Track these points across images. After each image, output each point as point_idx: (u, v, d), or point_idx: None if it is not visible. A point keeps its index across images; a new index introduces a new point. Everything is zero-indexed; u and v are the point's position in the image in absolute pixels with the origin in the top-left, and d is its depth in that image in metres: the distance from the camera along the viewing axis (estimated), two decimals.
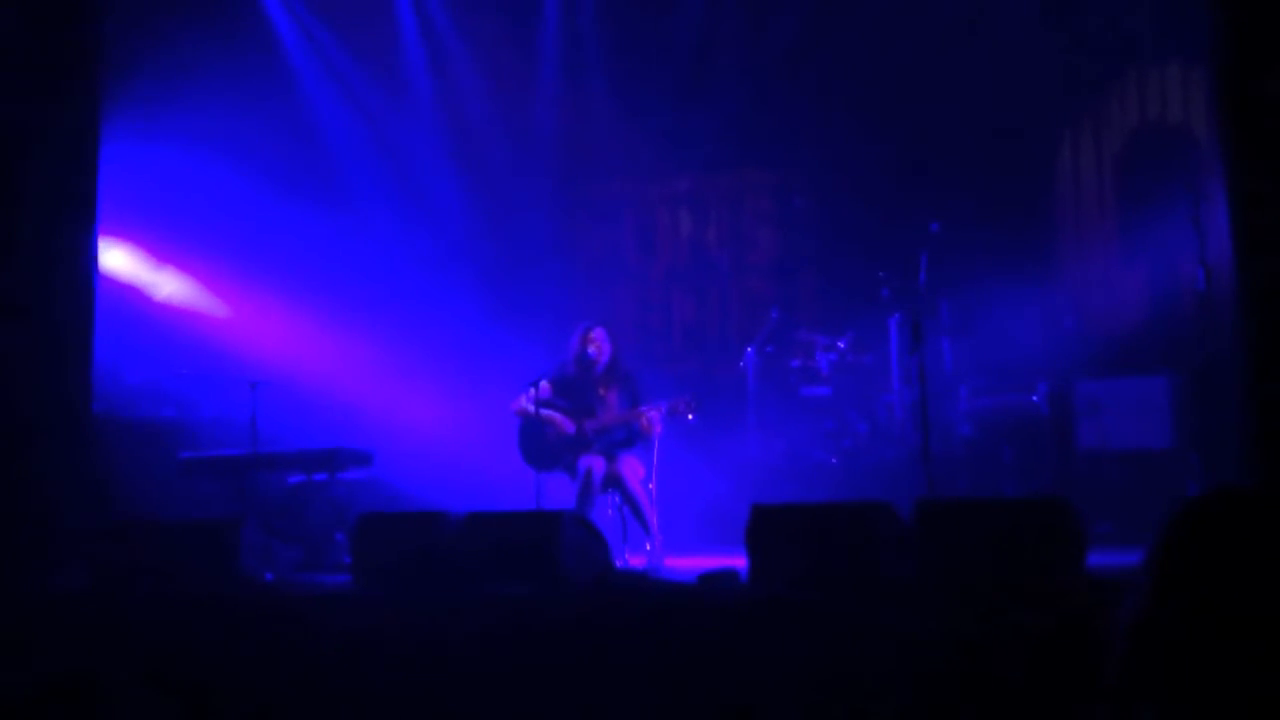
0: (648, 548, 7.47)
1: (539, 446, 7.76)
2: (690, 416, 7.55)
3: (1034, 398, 8.43)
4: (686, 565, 6.83)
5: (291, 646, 5.64)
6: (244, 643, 5.70)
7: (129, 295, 9.30)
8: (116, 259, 9.11)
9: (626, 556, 7.48)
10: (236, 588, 6.12)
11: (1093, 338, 8.90)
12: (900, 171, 9.33)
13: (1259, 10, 5.65)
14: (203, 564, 6.18)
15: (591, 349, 7.84)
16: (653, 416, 7.54)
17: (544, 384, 7.70)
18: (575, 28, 10.54)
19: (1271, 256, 5.51)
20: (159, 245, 9.60)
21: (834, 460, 8.87)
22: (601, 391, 7.85)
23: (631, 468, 7.55)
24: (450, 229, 10.67)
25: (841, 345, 9.07)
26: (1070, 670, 4.33)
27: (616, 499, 7.67)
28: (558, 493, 7.60)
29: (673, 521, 7.79)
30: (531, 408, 7.64)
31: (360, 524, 6.18)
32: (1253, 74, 5.63)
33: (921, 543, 5.12)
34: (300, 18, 10.38)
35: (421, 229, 10.63)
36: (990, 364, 8.71)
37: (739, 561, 5.54)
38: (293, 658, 5.59)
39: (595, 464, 7.50)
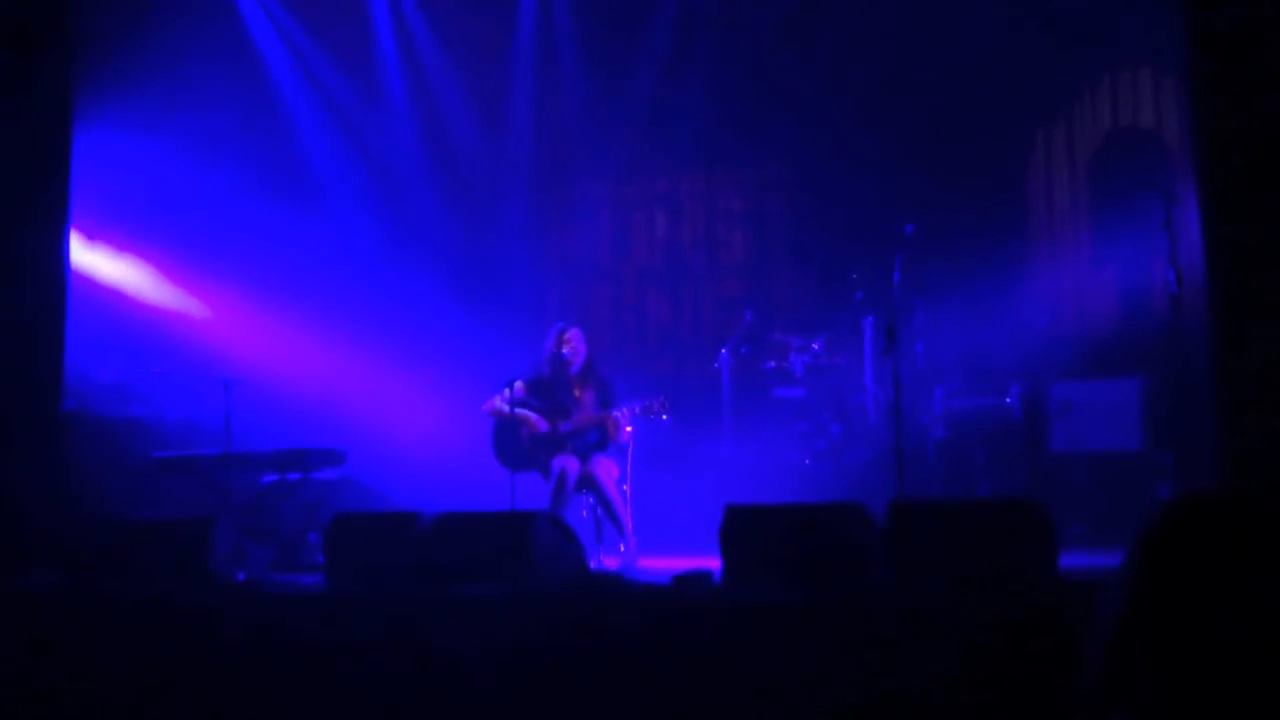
0: (622, 549, 7.47)
1: (513, 447, 7.75)
2: (664, 417, 7.56)
3: (1007, 400, 8.45)
4: (660, 566, 6.82)
5: (264, 646, 5.62)
6: (216, 642, 5.68)
7: (101, 293, 9.24)
8: (89, 257, 9.05)
9: (600, 557, 7.48)
10: (209, 587, 6.09)
11: (1065, 340, 8.93)
12: (874, 174, 9.34)
13: (1230, 18, 5.69)
14: (175, 563, 6.14)
15: (566, 350, 7.84)
16: (625, 418, 7.55)
17: (519, 384, 7.70)
18: (550, 28, 10.53)
19: (1242, 261, 5.54)
20: (134, 243, 9.54)
21: (807, 461, 8.88)
22: (576, 392, 7.84)
23: (605, 469, 7.55)
24: (425, 229, 10.68)
25: (815, 347, 9.08)
26: (1043, 672, 4.35)
27: (590, 500, 7.67)
28: (532, 493, 7.59)
29: (647, 523, 7.79)
30: (506, 407, 7.64)
31: (334, 524, 6.16)
32: (1222, 77, 5.67)
33: (894, 544, 5.13)
34: (274, 15, 10.34)
35: (396, 228, 10.62)
36: (963, 366, 8.74)
37: (713, 562, 5.54)
38: (265, 657, 5.57)
39: (569, 465, 7.50)
